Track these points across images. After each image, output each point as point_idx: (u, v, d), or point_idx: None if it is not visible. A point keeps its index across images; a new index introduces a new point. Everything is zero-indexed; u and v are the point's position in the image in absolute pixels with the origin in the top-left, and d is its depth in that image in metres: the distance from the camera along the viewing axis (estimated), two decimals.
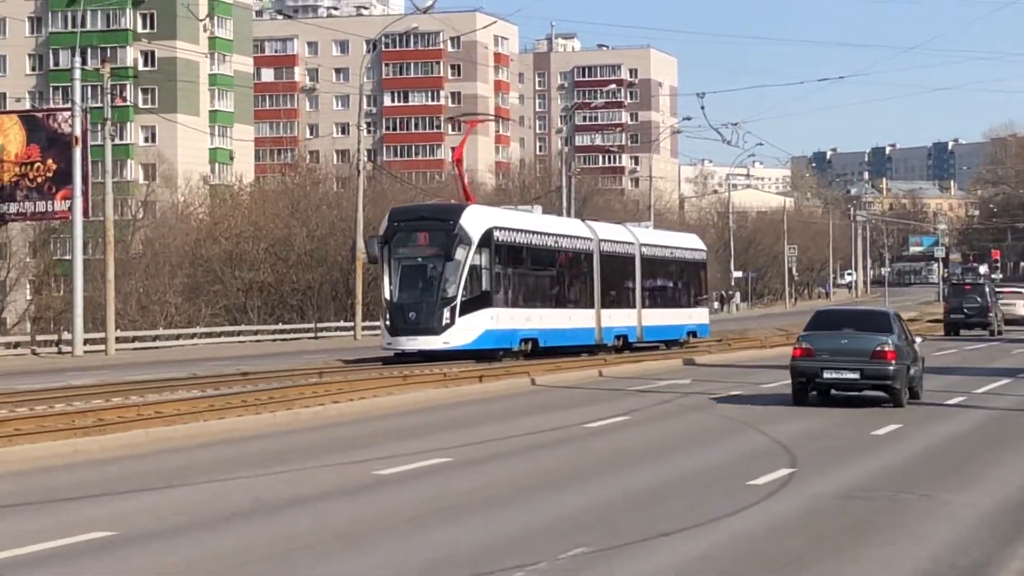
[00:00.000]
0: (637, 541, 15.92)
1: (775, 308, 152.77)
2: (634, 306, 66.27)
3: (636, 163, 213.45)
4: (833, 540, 16.14)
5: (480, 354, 50.73)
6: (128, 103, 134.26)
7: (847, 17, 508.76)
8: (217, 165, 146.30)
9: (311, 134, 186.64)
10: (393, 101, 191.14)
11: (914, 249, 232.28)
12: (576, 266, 61.73)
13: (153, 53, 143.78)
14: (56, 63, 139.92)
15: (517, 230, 56.08)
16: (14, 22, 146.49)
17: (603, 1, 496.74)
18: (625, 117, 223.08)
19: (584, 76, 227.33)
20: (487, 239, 51.69)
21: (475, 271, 51.16)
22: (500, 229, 53.69)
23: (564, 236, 61.43)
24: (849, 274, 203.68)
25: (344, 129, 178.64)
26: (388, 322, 52.34)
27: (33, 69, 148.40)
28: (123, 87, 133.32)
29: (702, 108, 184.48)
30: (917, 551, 15.51)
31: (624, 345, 64.30)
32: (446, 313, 49.77)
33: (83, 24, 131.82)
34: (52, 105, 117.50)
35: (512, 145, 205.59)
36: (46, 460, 24.33)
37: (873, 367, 34.89)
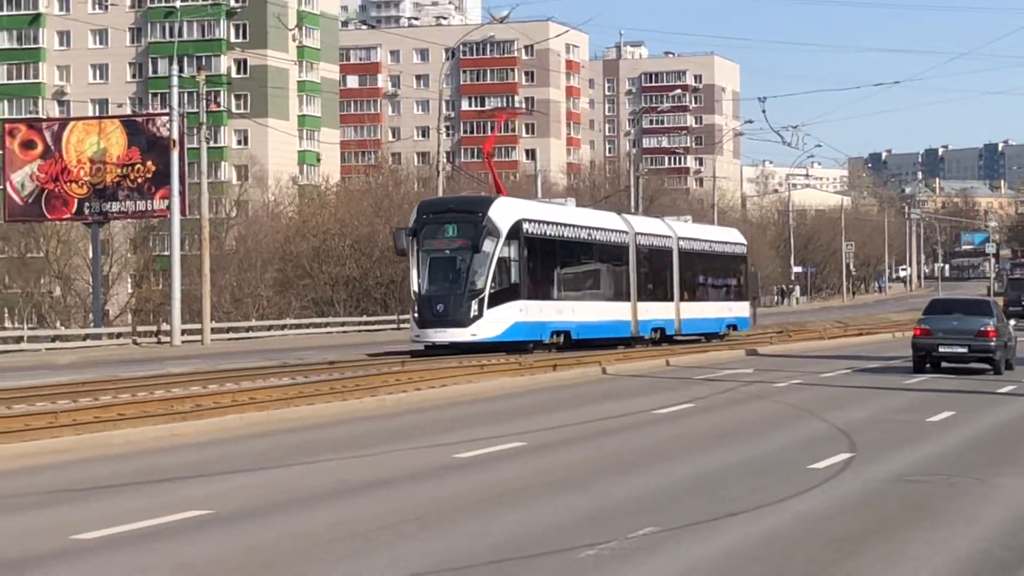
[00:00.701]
0: (704, 521, 15.82)
1: (833, 302, 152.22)
2: (671, 299, 62.63)
3: (700, 164, 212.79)
4: (891, 522, 15.95)
5: (509, 346, 48.44)
6: (222, 108, 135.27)
7: (902, 25, 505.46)
8: (305, 167, 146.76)
9: (393, 137, 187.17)
10: (470, 106, 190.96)
11: (966, 246, 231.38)
12: (610, 258, 58.34)
13: (246, 61, 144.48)
14: (155, 71, 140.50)
15: (548, 222, 53.02)
16: (116, 32, 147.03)
17: (670, 10, 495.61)
18: (690, 120, 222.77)
19: (651, 82, 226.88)
20: (516, 231, 49.11)
21: (504, 263, 48.47)
22: (530, 221, 50.94)
23: (597, 229, 58.08)
24: (904, 269, 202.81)
25: (424, 132, 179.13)
26: (416, 314, 49.94)
27: (133, 77, 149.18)
28: (217, 93, 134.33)
29: (763, 112, 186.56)
30: (972, 533, 15.33)
31: (662, 338, 60.79)
32: (474, 305, 47.24)
33: (180, 34, 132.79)
34: (151, 110, 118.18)
35: (583, 147, 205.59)
36: (147, 443, 24.60)
37: (978, 343, 42.78)
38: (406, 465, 21.45)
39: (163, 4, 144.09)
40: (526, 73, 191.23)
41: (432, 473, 20.53)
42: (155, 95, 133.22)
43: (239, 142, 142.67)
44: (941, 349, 43.46)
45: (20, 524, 16.47)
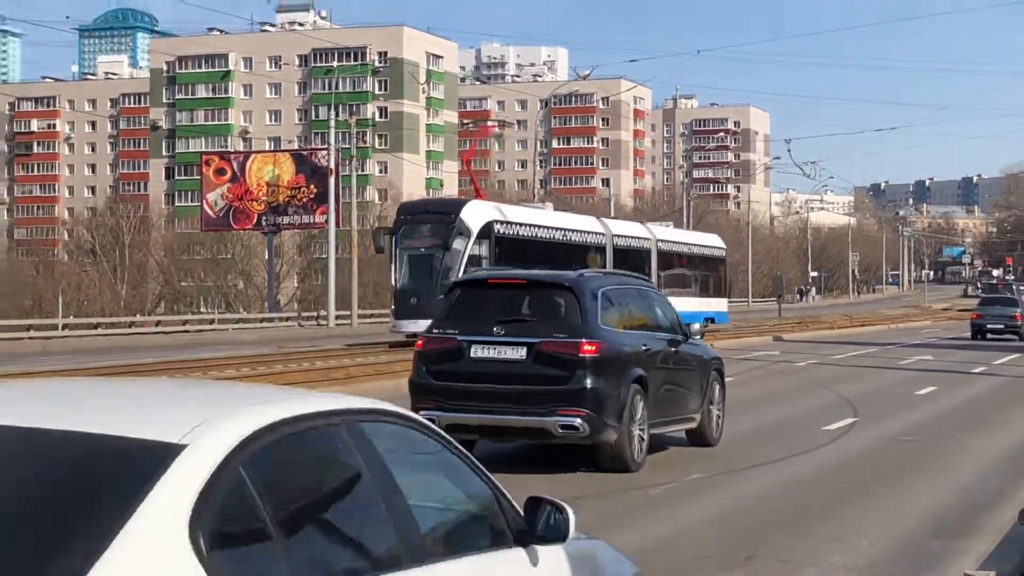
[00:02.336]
0: (745, 469, 16.03)
1: (841, 300, 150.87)
2: None
3: (738, 191, 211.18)
4: (888, 471, 15.89)
5: None
6: (368, 145, 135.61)
7: (899, 83, 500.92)
8: (431, 191, 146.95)
9: (499, 168, 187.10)
10: (559, 144, 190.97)
11: (946, 258, 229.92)
12: (585, 257, 50.90)
13: (387, 108, 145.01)
14: (316, 116, 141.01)
15: (520, 223, 47.34)
16: (287, 85, 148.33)
17: (716, 70, 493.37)
18: (730, 157, 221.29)
19: (700, 126, 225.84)
20: (487, 231, 43.82)
21: (475, 260, 42.64)
22: (502, 223, 45.39)
23: (571, 230, 51.70)
24: (895, 274, 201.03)
25: (523, 164, 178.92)
26: (394, 307, 45.17)
27: (300, 120, 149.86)
28: (364, 133, 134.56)
29: (788, 150, 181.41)
30: (952, 480, 15.32)
31: None
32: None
33: (336, 87, 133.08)
34: (314, 146, 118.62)
35: (646, 177, 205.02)
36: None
37: (1011, 323, 58.27)
38: None
39: (324, 64, 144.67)
40: (602, 119, 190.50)
41: None
42: (317, 134, 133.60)
43: (380, 171, 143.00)
44: (988, 326, 57.92)
45: None
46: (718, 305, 62.23)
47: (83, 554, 3.60)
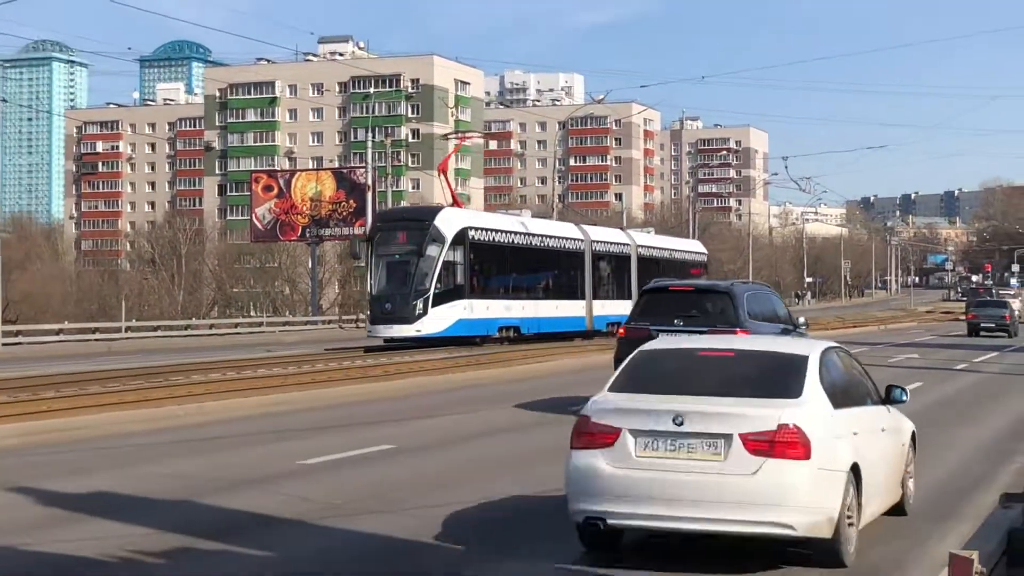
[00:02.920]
0: None
1: (835, 303, 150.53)
2: (630, 296, 49.35)
3: (740, 204, 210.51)
4: None
5: (456, 340, 40.27)
6: (401, 163, 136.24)
7: (890, 106, 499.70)
8: (463, 205, 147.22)
9: (521, 184, 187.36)
10: (576, 162, 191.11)
11: (930, 265, 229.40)
12: (563, 262, 48.57)
13: (418, 130, 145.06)
14: (355, 137, 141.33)
15: (495, 230, 44.03)
16: (328, 110, 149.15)
17: (719, 94, 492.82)
18: (732, 173, 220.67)
19: (704, 145, 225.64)
20: (461, 237, 40.59)
21: (449, 266, 39.83)
22: (476, 229, 42.22)
23: (548, 236, 48.05)
24: (884, 280, 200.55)
25: (543, 181, 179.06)
26: (369, 313, 42.44)
27: (340, 141, 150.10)
28: (398, 153, 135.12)
29: (785, 167, 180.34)
30: (939, 467, 15.20)
31: None
32: (419, 304, 38.87)
33: (373, 111, 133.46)
34: (352, 164, 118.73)
35: (655, 192, 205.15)
36: (348, 397, 24.63)
37: (1002, 322, 59.82)
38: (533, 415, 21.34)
39: (361, 91, 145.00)
40: (615, 139, 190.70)
41: (553, 422, 20.42)
42: (355, 154, 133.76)
43: (413, 187, 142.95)
44: (982, 325, 60.00)
45: (259, 453, 16.64)
46: None
47: (792, 393, 9.51)
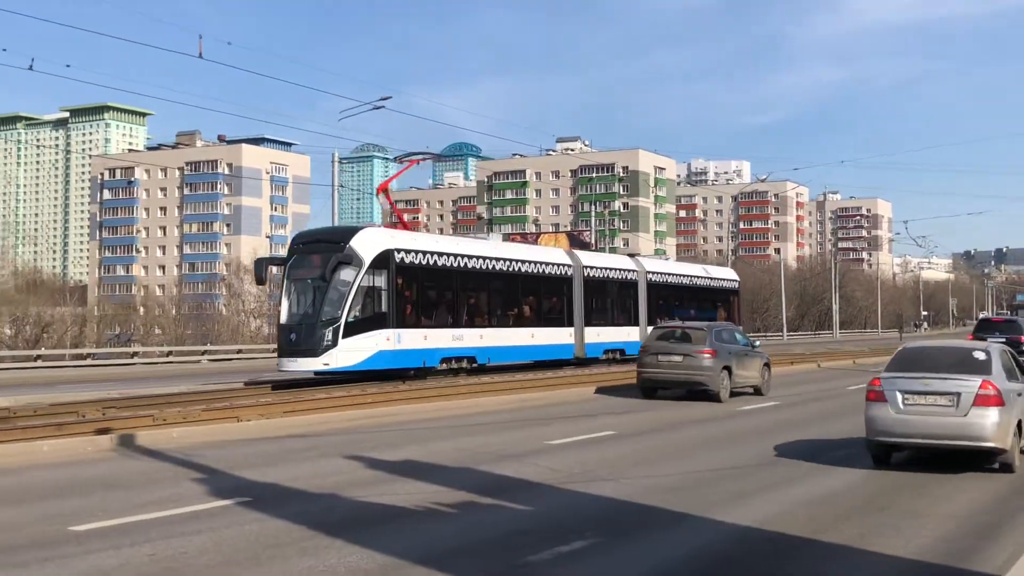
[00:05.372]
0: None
1: (944, 330, 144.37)
2: (636, 324, 37.14)
3: (870, 256, 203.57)
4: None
5: (380, 374, 25.83)
6: (615, 228, 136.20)
7: (987, 172, 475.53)
8: (659, 257, 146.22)
9: (704, 242, 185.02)
10: (744, 225, 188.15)
11: (1019, 301, 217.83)
12: (543, 288, 32.79)
13: (627, 203, 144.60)
14: (582, 209, 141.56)
15: (437, 253, 27.99)
16: (563, 189, 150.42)
17: (854, 172, 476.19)
18: (863, 233, 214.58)
19: (842, 212, 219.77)
20: (384, 260, 25.47)
21: (368, 291, 25.10)
22: (408, 252, 26.49)
23: (520, 261, 31.91)
24: (983, 313, 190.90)
25: (720, 239, 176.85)
26: (277, 344, 27.55)
27: (571, 212, 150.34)
28: (613, 219, 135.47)
29: (906, 228, 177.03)
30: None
31: (623, 358, 35.49)
32: (328, 334, 24.28)
33: (595, 190, 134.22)
34: (580, 228, 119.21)
35: (804, 247, 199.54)
36: (562, 398, 23.67)
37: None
38: (692, 413, 20.68)
39: (586, 175, 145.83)
40: (774, 207, 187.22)
41: (666, 427, 19.73)
42: (582, 220, 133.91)
43: (623, 244, 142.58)
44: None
45: (515, 436, 16.20)
46: None
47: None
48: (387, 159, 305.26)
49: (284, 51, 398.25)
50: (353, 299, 24.59)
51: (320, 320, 24.28)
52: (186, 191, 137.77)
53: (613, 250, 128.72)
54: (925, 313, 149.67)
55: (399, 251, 26.14)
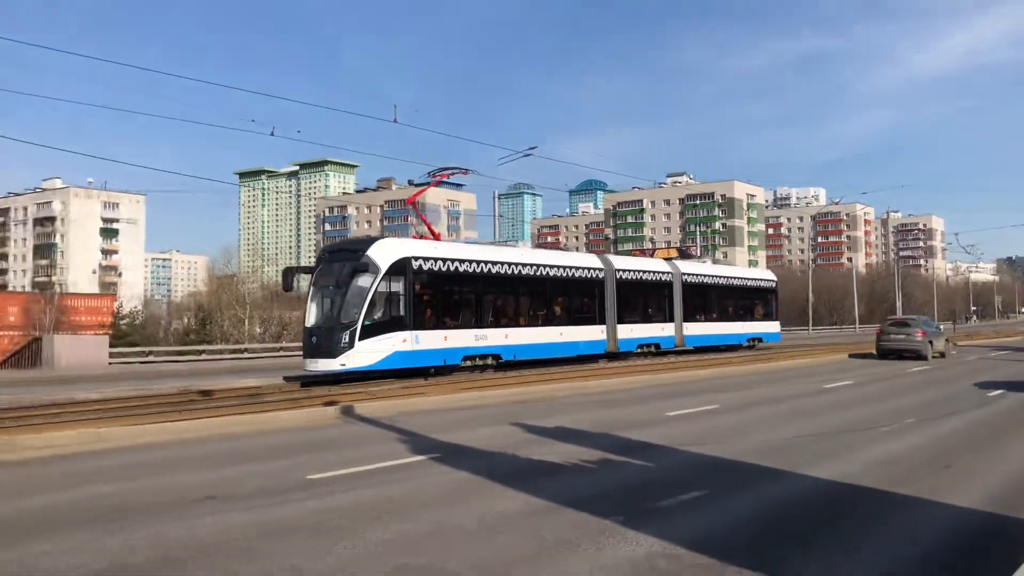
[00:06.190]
0: (934, 418, 14.16)
1: (991, 323, 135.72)
2: (672, 320, 33.07)
3: (927, 262, 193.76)
4: (1002, 429, 14.07)
5: (398, 373, 23.17)
6: (716, 244, 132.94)
7: None
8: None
9: (788, 254, 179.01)
10: (821, 239, 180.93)
11: None
12: (573, 289, 28.47)
13: (725, 223, 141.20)
14: (688, 229, 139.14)
15: (457, 260, 24.24)
16: (673, 214, 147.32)
17: (913, 194, 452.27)
18: (920, 244, 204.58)
19: (903, 228, 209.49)
20: (401, 268, 22.27)
21: (384, 297, 21.89)
22: (425, 259, 23.02)
23: (554, 266, 27.96)
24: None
25: (802, 251, 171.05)
26: (302, 346, 23.58)
27: (680, 231, 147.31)
28: (714, 237, 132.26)
29: (956, 238, 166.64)
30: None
31: (658, 352, 32.02)
32: (345, 337, 21.17)
33: (698, 214, 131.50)
34: (687, 244, 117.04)
35: (871, 256, 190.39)
36: (671, 380, 22.73)
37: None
38: (792, 390, 19.77)
39: (692, 202, 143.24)
40: (846, 224, 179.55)
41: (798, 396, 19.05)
42: (689, 238, 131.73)
43: (724, 256, 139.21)
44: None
45: (639, 410, 15.62)
46: (767, 327, 39.26)
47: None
48: (534, 194, 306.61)
49: (458, 113, 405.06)
50: (370, 304, 21.48)
51: (339, 324, 21.24)
52: (385, 223, 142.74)
53: (717, 261, 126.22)
54: (974, 308, 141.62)
55: (416, 258, 22.91)
